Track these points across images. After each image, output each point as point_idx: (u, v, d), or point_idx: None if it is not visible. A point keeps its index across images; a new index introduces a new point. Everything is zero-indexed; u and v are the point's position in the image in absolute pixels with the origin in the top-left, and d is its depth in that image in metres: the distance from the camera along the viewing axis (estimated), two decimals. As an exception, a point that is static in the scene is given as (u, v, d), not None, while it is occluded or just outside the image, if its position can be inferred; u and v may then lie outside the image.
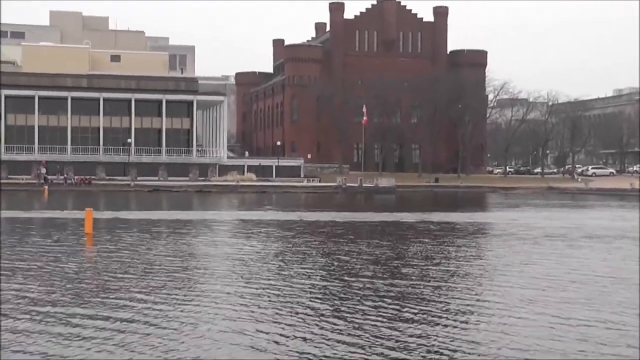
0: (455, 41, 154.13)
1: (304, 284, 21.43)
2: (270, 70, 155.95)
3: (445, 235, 37.15)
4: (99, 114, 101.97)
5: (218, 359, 13.64)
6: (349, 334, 15.40)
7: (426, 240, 34.66)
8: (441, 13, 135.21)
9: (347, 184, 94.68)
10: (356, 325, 16.14)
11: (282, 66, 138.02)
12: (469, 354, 14.17)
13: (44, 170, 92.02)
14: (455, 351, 14.32)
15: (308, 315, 17.22)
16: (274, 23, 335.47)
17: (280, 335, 15.30)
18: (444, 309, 18.15)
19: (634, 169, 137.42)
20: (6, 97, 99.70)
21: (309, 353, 14.03)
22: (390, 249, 30.99)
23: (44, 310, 17.48)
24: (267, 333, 15.42)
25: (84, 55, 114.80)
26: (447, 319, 17.01)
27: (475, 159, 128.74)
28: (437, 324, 16.45)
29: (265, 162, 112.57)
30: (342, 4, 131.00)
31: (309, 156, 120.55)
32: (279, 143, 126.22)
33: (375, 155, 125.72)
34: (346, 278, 22.71)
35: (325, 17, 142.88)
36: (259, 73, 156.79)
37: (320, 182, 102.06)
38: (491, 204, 73.26)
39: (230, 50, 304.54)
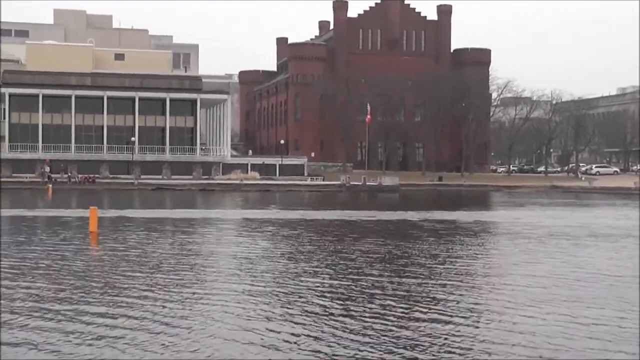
0: (456, 41, 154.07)
1: (311, 283, 21.44)
2: (273, 68, 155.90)
3: (450, 234, 37.16)
4: (102, 113, 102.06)
5: (231, 359, 13.64)
6: (359, 333, 15.40)
7: (431, 238, 34.67)
8: (445, 11, 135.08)
9: (351, 183, 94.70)
10: (366, 324, 16.14)
11: (285, 64, 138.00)
12: (482, 351, 14.21)
13: (48, 169, 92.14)
14: (469, 349, 14.36)
15: (317, 314, 17.24)
16: (277, 22, 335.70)
17: (291, 334, 15.31)
18: (453, 307, 18.13)
19: (638, 167, 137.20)
20: (10, 95, 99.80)
21: (320, 352, 14.04)
22: (395, 247, 31.00)
23: (55, 308, 17.52)
24: (278, 332, 15.43)
25: (88, 53, 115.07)
26: (457, 317, 17.00)
27: (479, 157, 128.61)
28: (448, 323, 16.45)
29: (268, 160, 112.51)
30: (346, 3, 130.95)
31: (313, 155, 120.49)
32: (282, 141, 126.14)
33: (378, 153, 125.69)
34: (353, 277, 22.72)
35: (329, 16, 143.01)
36: (263, 71, 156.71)
37: (323, 180, 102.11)
38: (495, 203, 73.24)
39: (233, 48, 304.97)
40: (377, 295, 19.50)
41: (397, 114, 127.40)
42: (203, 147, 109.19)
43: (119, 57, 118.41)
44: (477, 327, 16.07)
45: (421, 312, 17.61)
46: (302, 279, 22.16)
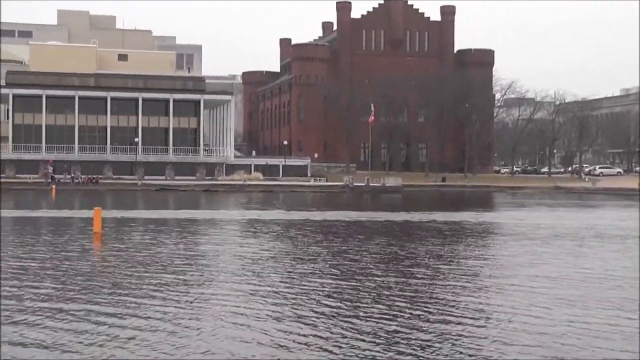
0: (456, 41, 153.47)
1: (318, 283, 21.44)
2: (277, 69, 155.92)
3: (455, 235, 37.11)
4: (106, 113, 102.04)
5: (242, 359, 13.64)
6: (369, 334, 15.41)
7: (435, 239, 34.62)
8: (448, 12, 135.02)
9: (354, 184, 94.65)
10: (374, 325, 16.15)
11: (289, 65, 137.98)
12: (494, 352, 14.23)
13: (51, 170, 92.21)
14: (480, 349, 14.38)
15: (325, 314, 17.24)
16: (280, 22, 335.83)
17: (301, 334, 15.32)
18: (461, 308, 18.13)
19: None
20: (14, 96, 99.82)
21: (330, 352, 14.05)
22: (399, 248, 30.97)
23: (64, 308, 17.57)
24: (287, 332, 15.45)
25: (92, 54, 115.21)
26: (467, 318, 16.99)
27: (483, 158, 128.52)
28: (458, 324, 16.44)
29: (272, 161, 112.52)
30: (349, 4, 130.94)
31: (316, 155, 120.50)
32: (285, 142, 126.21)
33: (382, 154, 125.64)
34: (359, 277, 22.71)
35: (332, 17, 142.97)
36: (266, 72, 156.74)
37: (327, 181, 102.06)
38: (499, 204, 73.14)
39: (233, 48, 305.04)
40: (384, 296, 19.49)
41: (400, 114, 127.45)
42: (206, 148, 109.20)
43: (123, 57, 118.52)
44: (487, 328, 16.08)
45: (430, 312, 17.60)
46: (309, 279, 22.15)
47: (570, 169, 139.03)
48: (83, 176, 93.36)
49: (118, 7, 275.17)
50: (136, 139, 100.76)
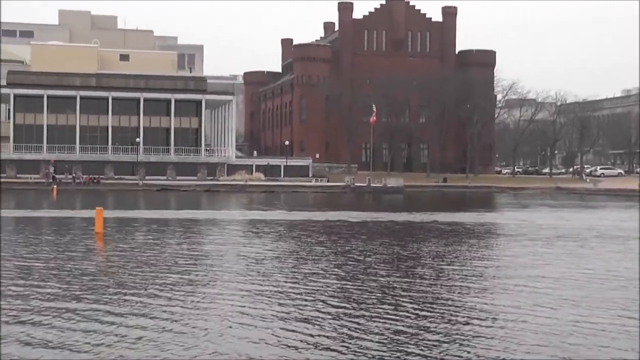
0: (457, 41, 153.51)
1: (322, 283, 21.47)
2: (278, 69, 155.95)
3: (457, 235, 37.10)
4: (107, 113, 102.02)
5: (249, 358, 13.65)
6: (376, 333, 15.45)
7: (437, 240, 34.61)
8: (450, 13, 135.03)
9: (356, 184, 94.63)
10: (381, 325, 16.17)
11: (290, 66, 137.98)
12: (502, 351, 14.26)
13: (52, 170, 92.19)
14: (489, 349, 14.40)
15: (331, 314, 17.29)
16: (280, 22, 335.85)
17: (308, 334, 15.35)
18: (467, 308, 18.14)
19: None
20: (15, 96, 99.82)
21: (337, 352, 14.07)
22: (402, 248, 30.97)
23: (71, 307, 17.59)
24: (294, 332, 15.48)
25: (93, 54, 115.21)
26: (473, 319, 17.01)
27: (484, 159, 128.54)
28: (465, 324, 16.47)
29: (273, 161, 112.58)
30: (351, 4, 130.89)
31: (318, 156, 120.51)
32: (287, 143, 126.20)
33: (383, 155, 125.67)
34: (363, 277, 22.72)
35: (333, 17, 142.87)
36: (267, 72, 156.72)
37: (328, 181, 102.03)
38: (500, 204, 73.10)
39: (237, 49, 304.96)
40: (389, 297, 19.50)
41: (401, 115, 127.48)
42: (208, 148, 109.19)
43: (124, 57, 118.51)
44: (495, 328, 16.11)
45: (436, 313, 17.62)
46: (313, 279, 22.17)
47: (571, 169, 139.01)
48: (84, 176, 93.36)
49: (119, 7, 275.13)
50: (137, 139, 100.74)
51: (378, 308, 18.00)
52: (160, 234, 36.09)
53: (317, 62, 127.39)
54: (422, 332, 15.69)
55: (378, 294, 19.84)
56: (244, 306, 17.94)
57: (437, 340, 14.99)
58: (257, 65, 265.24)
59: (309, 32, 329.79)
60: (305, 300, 18.90)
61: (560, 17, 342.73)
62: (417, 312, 17.63)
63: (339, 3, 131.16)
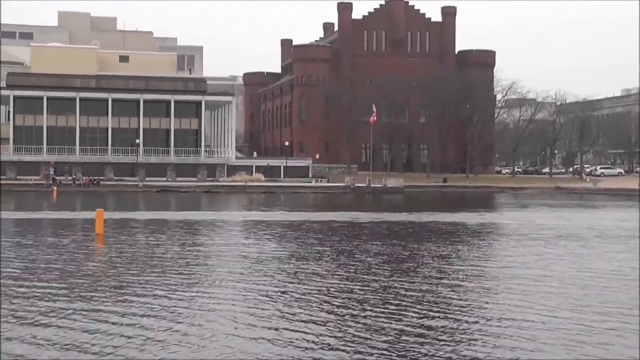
0: (457, 41, 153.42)
1: (324, 283, 21.49)
2: (277, 69, 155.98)
3: (458, 235, 37.08)
4: (107, 115, 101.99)
5: (256, 358, 13.65)
6: (382, 333, 15.47)
7: (439, 240, 34.58)
8: (449, 13, 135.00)
9: (355, 184, 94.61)
10: (386, 325, 16.17)
11: (290, 66, 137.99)
12: (510, 350, 14.29)
13: (52, 171, 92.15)
14: (497, 348, 14.43)
15: (336, 314, 17.32)
16: (280, 23, 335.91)
17: (314, 334, 15.38)
18: (471, 308, 18.16)
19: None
20: (15, 97, 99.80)
21: (344, 351, 14.08)
22: (403, 248, 30.93)
23: (75, 307, 17.63)
24: (299, 332, 15.50)
25: (93, 55, 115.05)
26: (478, 318, 17.05)
27: (484, 159, 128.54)
28: (471, 323, 16.50)
29: (273, 162, 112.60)
30: (351, 4, 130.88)
31: (317, 156, 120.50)
32: (287, 143, 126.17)
33: (383, 155, 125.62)
34: (365, 277, 22.72)
35: (333, 17, 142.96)
36: (267, 73, 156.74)
37: (328, 182, 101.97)
38: (501, 204, 73.08)
39: (236, 49, 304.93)
40: (392, 297, 19.52)
41: (401, 115, 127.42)
42: (208, 149, 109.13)
43: (124, 59, 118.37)
44: (501, 327, 16.13)
45: (440, 312, 17.63)
46: (315, 279, 22.19)
47: (571, 169, 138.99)
48: (84, 178, 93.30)
49: (119, 9, 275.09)
50: (137, 140, 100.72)
51: (382, 308, 17.99)
52: (161, 235, 36.03)
53: (316, 62, 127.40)
54: (428, 331, 15.71)
55: (381, 294, 19.84)
56: (249, 306, 17.96)
57: (444, 340, 15.00)
58: (257, 65, 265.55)
59: (308, 33, 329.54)
60: (309, 300, 18.92)
61: (560, 17, 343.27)
62: (421, 312, 17.62)
63: (338, 3, 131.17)
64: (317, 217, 49.61)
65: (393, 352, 14.03)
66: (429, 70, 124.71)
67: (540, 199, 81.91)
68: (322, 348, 14.31)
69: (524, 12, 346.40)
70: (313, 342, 14.74)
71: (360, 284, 21.56)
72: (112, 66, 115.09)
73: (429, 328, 16.00)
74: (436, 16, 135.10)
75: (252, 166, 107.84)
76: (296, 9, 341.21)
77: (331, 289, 20.68)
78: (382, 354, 13.87)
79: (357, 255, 28.13)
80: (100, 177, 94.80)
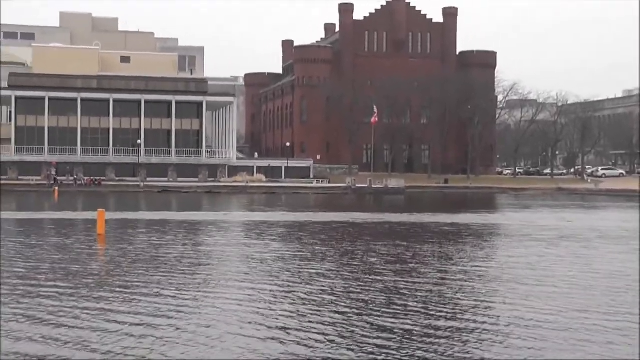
0: (457, 42, 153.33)
1: (328, 283, 21.52)
2: (278, 69, 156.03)
3: (459, 236, 37.08)
4: (108, 115, 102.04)
5: (263, 358, 13.69)
6: (390, 332, 15.50)
7: (441, 240, 34.59)
8: (450, 14, 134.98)
9: (357, 185, 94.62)
10: (391, 325, 16.20)
11: (291, 67, 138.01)
12: (517, 349, 14.35)
13: (54, 171, 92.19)
14: (506, 348, 14.49)
15: (342, 313, 17.35)
16: (280, 23, 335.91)
17: (321, 333, 15.41)
18: (476, 308, 18.19)
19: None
20: (16, 98, 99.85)
21: (352, 350, 14.12)
22: (406, 249, 30.93)
23: (82, 306, 17.70)
24: (307, 331, 15.54)
25: (94, 56, 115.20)
26: (484, 317, 17.08)
27: (485, 159, 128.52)
28: (477, 323, 16.52)
29: (274, 163, 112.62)
30: (352, 5, 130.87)
31: (319, 157, 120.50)
32: (288, 144, 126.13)
33: (384, 156, 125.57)
34: (367, 277, 22.72)
35: (334, 18, 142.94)
36: (268, 74, 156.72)
37: (329, 183, 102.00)
38: (502, 205, 73.06)
39: (236, 49, 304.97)
40: (396, 296, 19.54)
41: (403, 116, 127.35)
42: (209, 150, 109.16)
43: (125, 59, 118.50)
44: (506, 327, 16.16)
45: (446, 312, 17.66)
46: (319, 280, 22.22)
47: (572, 170, 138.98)
48: (86, 178, 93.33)
49: (120, 9, 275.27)
50: (139, 141, 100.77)
51: (388, 308, 18.02)
52: (163, 235, 36.05)
53: (318, 63, 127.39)
54: (434, 331, 15.74)
55: (386, 294, 19.87)
56: (255, 306, 18.01)
57: (451, 340, 15.04)
58: (258, 65, 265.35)
59: (309, 33, 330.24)
60: (315, 300, 18.97)
61: (560, 17, 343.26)
62: (427, 312, 17.66)
63: (339, 4, 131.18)
64: (319, 217, 49.62)
65: (401, 352, 14.04)
66: (430, 71, 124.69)
67: (541, 200, 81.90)
68: (329, 347, 14.33)
69: (524, 12, 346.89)
70: (320, 341, 14.78)
71: (364, 284, 21.59)
72: (114, 67, 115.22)
73: (437, 328, 16.03)
74: (437, 17, 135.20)
75: (253, 167, 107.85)
76: (296, 9, 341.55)
77: (336, 289, 20.72)
78: (390, 354, 13.90)
79: (360, 256, 28.14)
80: (102, 178, 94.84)
